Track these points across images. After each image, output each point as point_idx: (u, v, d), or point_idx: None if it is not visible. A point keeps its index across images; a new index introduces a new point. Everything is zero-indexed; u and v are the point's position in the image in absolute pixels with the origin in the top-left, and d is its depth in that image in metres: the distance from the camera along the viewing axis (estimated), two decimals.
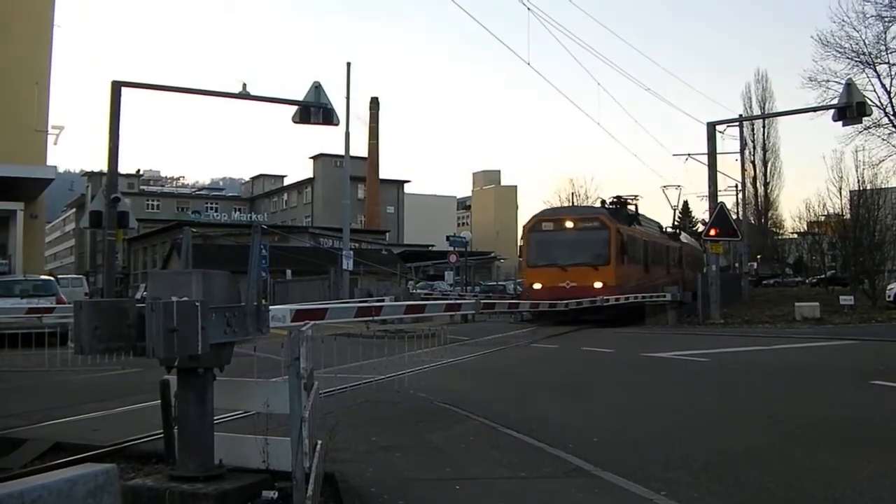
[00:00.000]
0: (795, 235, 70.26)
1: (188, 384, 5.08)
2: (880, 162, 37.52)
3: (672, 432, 8.40)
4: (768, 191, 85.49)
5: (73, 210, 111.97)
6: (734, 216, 41.76)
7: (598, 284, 26.48)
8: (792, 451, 7.38)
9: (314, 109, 22.65)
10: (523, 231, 30.89)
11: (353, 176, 51.68)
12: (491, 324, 27.68)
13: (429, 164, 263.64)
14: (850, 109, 25.31)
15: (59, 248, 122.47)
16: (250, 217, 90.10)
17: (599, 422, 9.12)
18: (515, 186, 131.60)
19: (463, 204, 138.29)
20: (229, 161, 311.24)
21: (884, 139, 36.34)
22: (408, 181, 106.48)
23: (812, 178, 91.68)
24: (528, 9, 19.88)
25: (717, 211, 28.08)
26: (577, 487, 6.30)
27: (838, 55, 35.00)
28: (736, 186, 58.31)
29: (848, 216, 40.14)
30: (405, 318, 19.65)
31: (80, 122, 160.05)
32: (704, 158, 31.69)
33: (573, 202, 73.48)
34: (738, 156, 54.83)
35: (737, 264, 55.85)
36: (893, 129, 35.76)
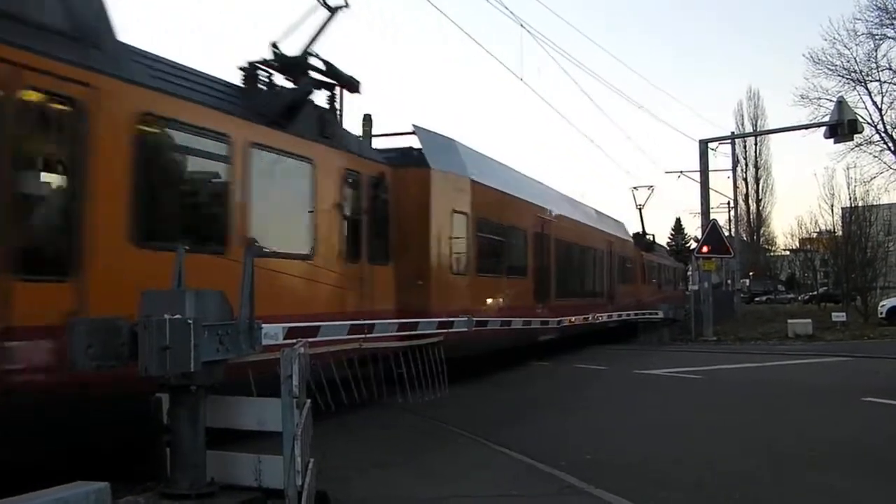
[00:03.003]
0: (788, 252, 70.67)
1: (181, 402, 5.07)
2: (872, 179, 37.80)
3: (665, 450, 8.41)
4: (760, 208, 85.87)
5: None
6: (726, 233, 41.82)
7: None
8: (784, 469, 7.39)
9: None
10: None
11: None
12: None
13: None
14: (842, 127, 25.50)
15: None
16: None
17: (592, 439, 9.12)
18: None
19: None
20: None
21: (875, 156, 36.61)
22: None
23: (804, 195, 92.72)
24: (522, 26, 19.80)
25: (710, 228, 28.16)
26: None
27: (830, 73, 35.32)
28: (728, 203, 58.44)
29: (840, 233, 40.34)
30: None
31: None
32: (697, 175, 31.80)
33: None
34: (730, 173, 54.88)
35: (729, 281, 55.90)
36: (885, 147, 36.04)
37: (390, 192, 12.16)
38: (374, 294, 11.54)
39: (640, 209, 36.81)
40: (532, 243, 18.70)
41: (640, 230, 35.57)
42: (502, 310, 16.15)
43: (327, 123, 10.88)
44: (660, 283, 38.22)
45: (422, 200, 13.36)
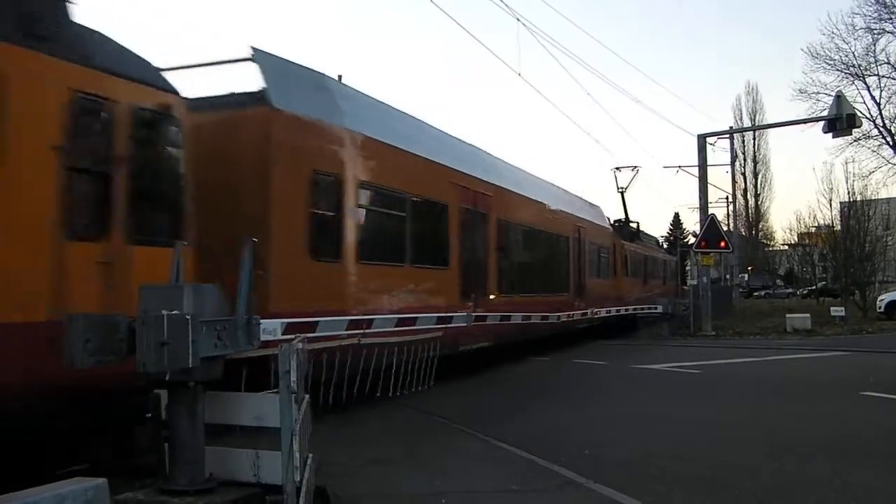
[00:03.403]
0: (786, 247, 70.65)
1: (179, 398, 5.06)
2: (870, 173, 37.83)
3: (664, 444, 8.41)
4: (759, 202, 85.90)
5: None
6: (725, 228, 41.82)
7: None
8: (783, 462, 7.39)
9: None
10: None
11: None
12: None
13: None
14: (840, 121, 25.47)
15: None
16: None
17: (592, 434, 9.11)
18: None
19: None
20: None
21: (873, 150, 36.66)
22: None
23: (803, 189, 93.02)
24: (518, 20, 19.61)
25: (708, 223, 28.15)
26: (569, 500, 6.30)
27: (828, 67, 35.36)
28: (727, 198, 58.48)
29: (838, 227, 40.35)
30: None
31: None
32: (695, 170, 31.77)
33: None
34: (728, 168, 54.98)
35: (728, 276, 55.96)
36: (883, 141, 36.07)
37: (186, 138, 7.87)
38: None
39: (622, 192, 33.86)
40: (458, 223, 14.35)
41: (622, 217, 33.18)
42: (405, 310, 12.11)
43: (37, 15, 6.67)
44: (646, 277, 34.76)
45: (256, 154, 9.52)
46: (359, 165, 11.14)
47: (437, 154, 13.92)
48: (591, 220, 24.90)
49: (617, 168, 34.04)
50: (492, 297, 15.64)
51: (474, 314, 14.42)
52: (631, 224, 33.50)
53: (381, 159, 11.74)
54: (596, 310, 23.87)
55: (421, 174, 13.09)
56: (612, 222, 30.07)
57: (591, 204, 26.08)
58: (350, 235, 10.88)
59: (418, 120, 14.31)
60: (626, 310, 28.22)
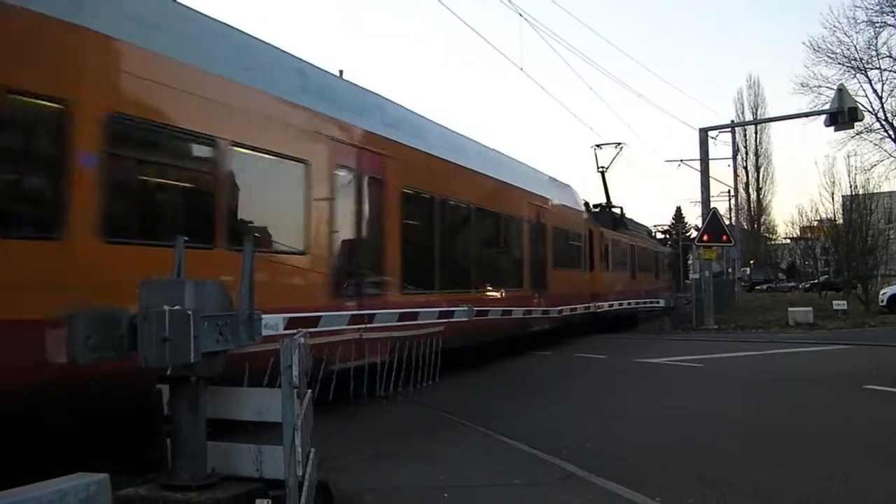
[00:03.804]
0: (788, 241, 70.77)
1: (180, 393, 5.06)
2: (872, 167, 37.85)
3: (665, 438, 8.42)
4: (761, 196, 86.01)
5: None
6: (727, 222, 41.75)
7: None
8: (785, 456, 7.38)
9: None
10: None
11: None
12: None
13: None
14: (842, 115, 25.41)
15: None
16: None
17: (594, 428, 9.12)
18: None
19: None
20: None
21: (876, 144, 36.63)
22: None
23: (805, 183, 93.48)
24: (520, 15, 19.73)
25: (710, 216, 28.08)
26: (571, 494, 6.29)
27: (830, 61, 35.32)
28: (728, 192, 58.43)
29: (840, 221, 40.35)
30: None
31: None
32: (697, 164, 31.71)
33: None
34: (730, 161, 54.85)
35: (730, 270, 55.91)
36: (885, 134, 36.04)
37: None
38: None
39: (602, 172, 30.58)
40: (327, 190, 10.28)
41: (604, 201, 30.34)
42: None
43: None
44: (634, 269, 31.67)
45: None
46: (115, 89, 7.27)
47: (287, 89, 9.92)
48: (559, 201, 21.17)
49: (598, 145, 30.55)
50: (390, 293, 11.74)
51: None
52: (614, 209, 30.33)
53: (163, 84, 7.69)
54: (563, 308, 20.22)
55: (250, 114, 8.94)
56: (591, 207, 27.27)
57: (559, 182, 22.33)
58: (90, 197, 6.84)
59: (257, 39, 9.94)
60: (604, 307, 25.29)
